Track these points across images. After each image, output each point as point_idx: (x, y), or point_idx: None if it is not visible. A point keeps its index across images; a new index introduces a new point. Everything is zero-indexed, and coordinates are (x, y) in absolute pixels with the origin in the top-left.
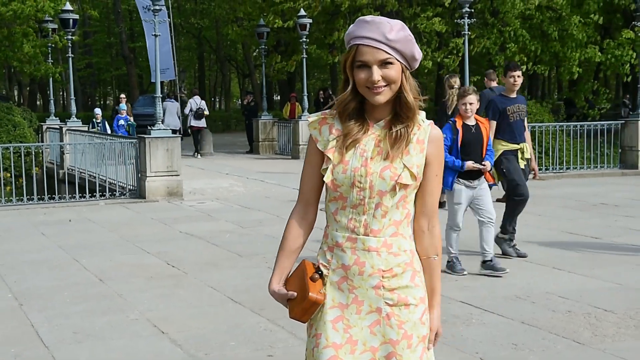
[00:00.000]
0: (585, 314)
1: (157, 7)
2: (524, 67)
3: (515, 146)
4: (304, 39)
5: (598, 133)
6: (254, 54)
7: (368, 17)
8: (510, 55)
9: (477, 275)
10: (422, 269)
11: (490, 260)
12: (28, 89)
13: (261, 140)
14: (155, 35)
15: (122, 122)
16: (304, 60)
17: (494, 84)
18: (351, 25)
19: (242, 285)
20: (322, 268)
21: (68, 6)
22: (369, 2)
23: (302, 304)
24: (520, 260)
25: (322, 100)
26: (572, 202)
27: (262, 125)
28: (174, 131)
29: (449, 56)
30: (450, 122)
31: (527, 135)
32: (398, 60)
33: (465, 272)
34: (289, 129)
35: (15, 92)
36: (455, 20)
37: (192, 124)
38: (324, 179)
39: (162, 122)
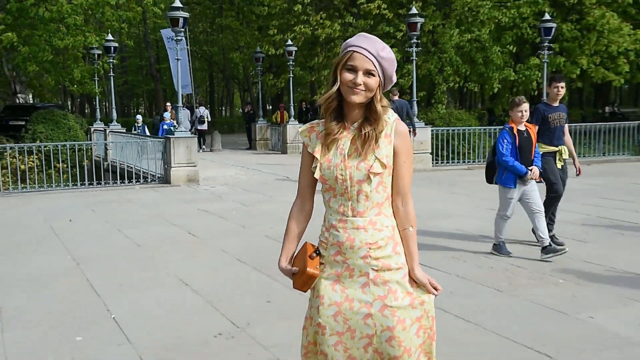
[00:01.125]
0: (504, 269)
1: (179, 38)
2: (457, 85)
3: (554, 148)
4: (291, 62)
5: None
6: (252, 73)
7: (367, 34)
8: (446, 76)
9: (421, 243)
10: (401, 239)
11: (549, 246)
12: (78, 100)
13: (258, 140)
14: (177, 59)
15: (165, 127)
16: (291, 78)
17: (396, 97)
18: (351, 38)
19: (246, 249)
20: (321, 245)
21: (110, 37)
22: (340, 35)
23: (301, 277)
24: (456, 230)
25: (303, 109)
26: None
27: (259, 128)
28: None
29: (404, 77)
30: (507, 128)
31: (568, 139)
32: (379, 75)
33: (511, 254)
34: (279, 131)
35: (69, 103)
36: (406, 49)
37: (198, 128)
38: (314, 175)
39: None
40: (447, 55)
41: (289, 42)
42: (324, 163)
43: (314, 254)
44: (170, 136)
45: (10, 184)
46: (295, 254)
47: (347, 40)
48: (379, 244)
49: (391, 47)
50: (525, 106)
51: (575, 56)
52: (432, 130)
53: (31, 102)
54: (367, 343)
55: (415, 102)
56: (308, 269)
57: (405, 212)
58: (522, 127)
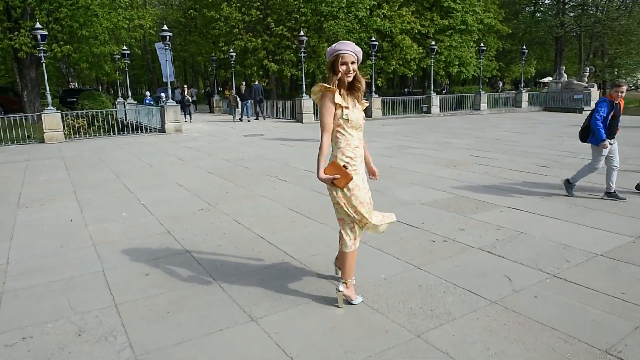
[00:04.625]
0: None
1: (167, 47)
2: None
3: None
4: (232, 62)
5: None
6: (209, 69)
7: (344, 41)
8: (322, 70)
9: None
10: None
11: (613, 192)
12: (105, 85)
13: (215, 107)
14: (166, 60)
15: (151, 101)
16: (232, 71)
17: (256, 82)
18: (335, 44)
19: (212, 166)
20: (347, 159)
21: (125, 48)
22: (260, 45)
23: (346, 180)
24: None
25: (240, 88)
26: None
27: (215, 100)
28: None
29: (299, 70)
30: (607, 100)
31: None
32: (357, 61)
33: (572, 195)
34: (226, 101)
35: (100, 87)
36: (297, 54)
37: (191, 100)
38: (348, 117)
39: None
40: (321, 59)
41: (231, 50)
42: (352, 112)
43: (346, 167)
44: (164, 105)
45: (71, 135)
46: (325, 167)
47: (333, 46)
48: (365, 155)
49: (287, 53)
50: (624, 88)
51: (389, 60)
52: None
53: (78, 87)
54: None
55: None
56: (351, 175)
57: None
58: (616, 102)
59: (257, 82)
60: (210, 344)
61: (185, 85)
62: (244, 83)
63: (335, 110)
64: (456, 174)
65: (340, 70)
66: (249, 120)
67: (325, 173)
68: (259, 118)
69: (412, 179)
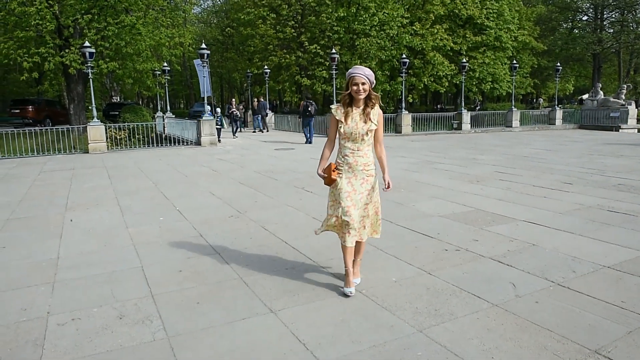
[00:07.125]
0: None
1: (204, 64)
2: None
3: None
4: (267, 78)
5: (389, 119)
6: (245, 84)
7: (358, 66)
8: None
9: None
10: (379, 161)
11: None
12: (146, 99)
13: (248, 121)
14: (204, 76)
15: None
16: (267, 87)
17: (261, 99)
18: (350, 69)
19: (244, 177)
20: (339, 165)
21: (165, 64)
22: (294, 62)
23: (327, 180)
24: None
25: (274, 104)
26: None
27: (249, 115)
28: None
29: (330, 86)
30: None
31: None
32: (369, 82)
33: None
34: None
35: (141, 101)
36: (329, 71)
37: (240, 115)
38: (341, 130)
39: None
40: None
41: (266, 67)
42: (346, 125)
43: (336, 169)
44: (200, 119)
45: (113, 146)
46: (325, 167)
47: (349, 71)
48: (368, 164)
49: (320, 70)
50: None
51: (421, 77)
52: None
53: (121, 101)
54: (365, 205)
55: (314, 103)
56: (332, 176)
57: (380, 149)
58: None
59: (261, 99)
60: (233, 329)
61: (233, 100)
62: (255, 100)
63: (337, 123)
64: (478, 189)
65: (352, 89)
66: (253, 132)
67: (321, 171)
68: (262, 131)
69: (434, 193)
